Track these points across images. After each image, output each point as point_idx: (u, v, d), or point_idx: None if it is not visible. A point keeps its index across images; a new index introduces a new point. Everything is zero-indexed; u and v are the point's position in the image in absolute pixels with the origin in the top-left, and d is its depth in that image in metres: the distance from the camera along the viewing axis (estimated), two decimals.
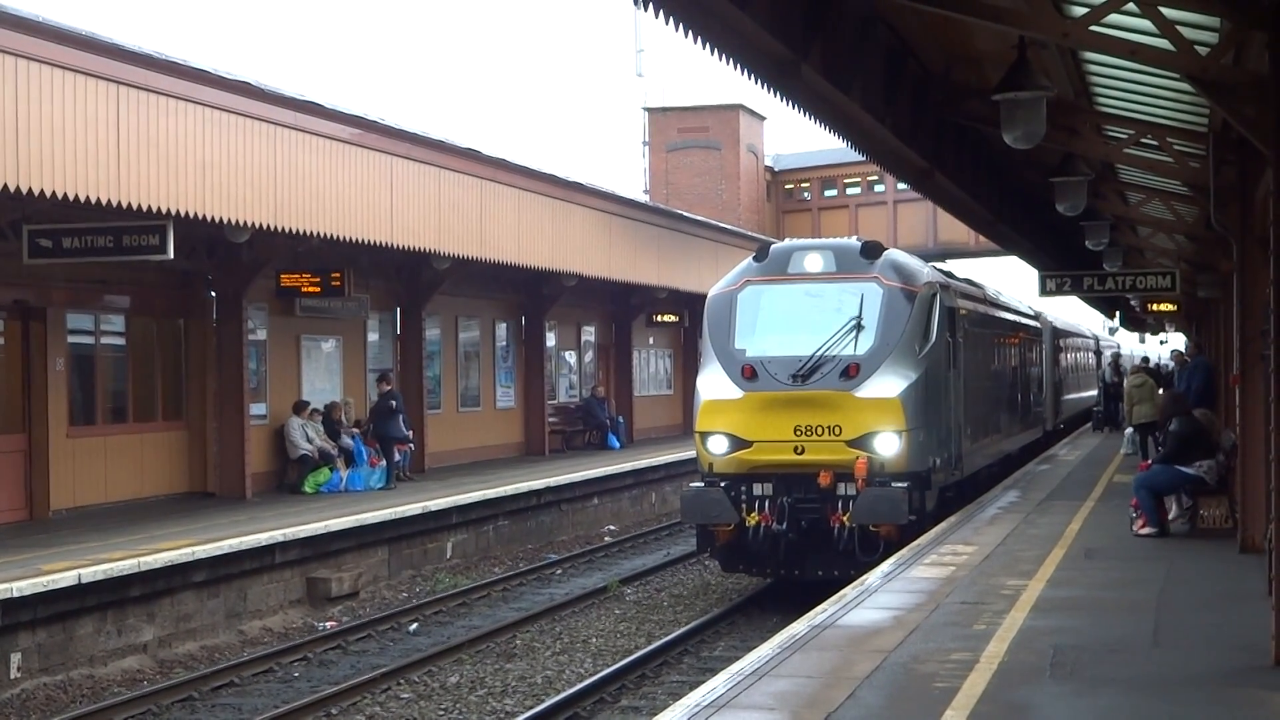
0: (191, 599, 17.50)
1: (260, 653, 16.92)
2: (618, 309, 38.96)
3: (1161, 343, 74.59)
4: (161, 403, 23.26)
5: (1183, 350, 36.14)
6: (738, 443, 18.51)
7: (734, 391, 18.58)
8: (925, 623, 12.04)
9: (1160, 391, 25.72)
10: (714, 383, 18.85)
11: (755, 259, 19.82)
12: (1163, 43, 10.71)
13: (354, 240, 21.86)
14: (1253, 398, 14.77)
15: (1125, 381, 29.00)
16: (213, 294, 23.49)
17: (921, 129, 16.93)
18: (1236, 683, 9.79)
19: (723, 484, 18.44)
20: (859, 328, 18.57)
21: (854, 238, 21.25)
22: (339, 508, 21.67)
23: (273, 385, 25.14)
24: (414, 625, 18.76)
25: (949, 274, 23.64)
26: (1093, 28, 10.78)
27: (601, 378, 38.48)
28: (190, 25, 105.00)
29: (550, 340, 35.40)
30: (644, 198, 46.54)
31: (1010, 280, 49.93)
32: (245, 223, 19.23)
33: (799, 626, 12.19)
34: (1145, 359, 46.77)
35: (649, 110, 53.08)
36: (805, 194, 55.99)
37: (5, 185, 15.27)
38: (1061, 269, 28.65)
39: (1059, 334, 40.30)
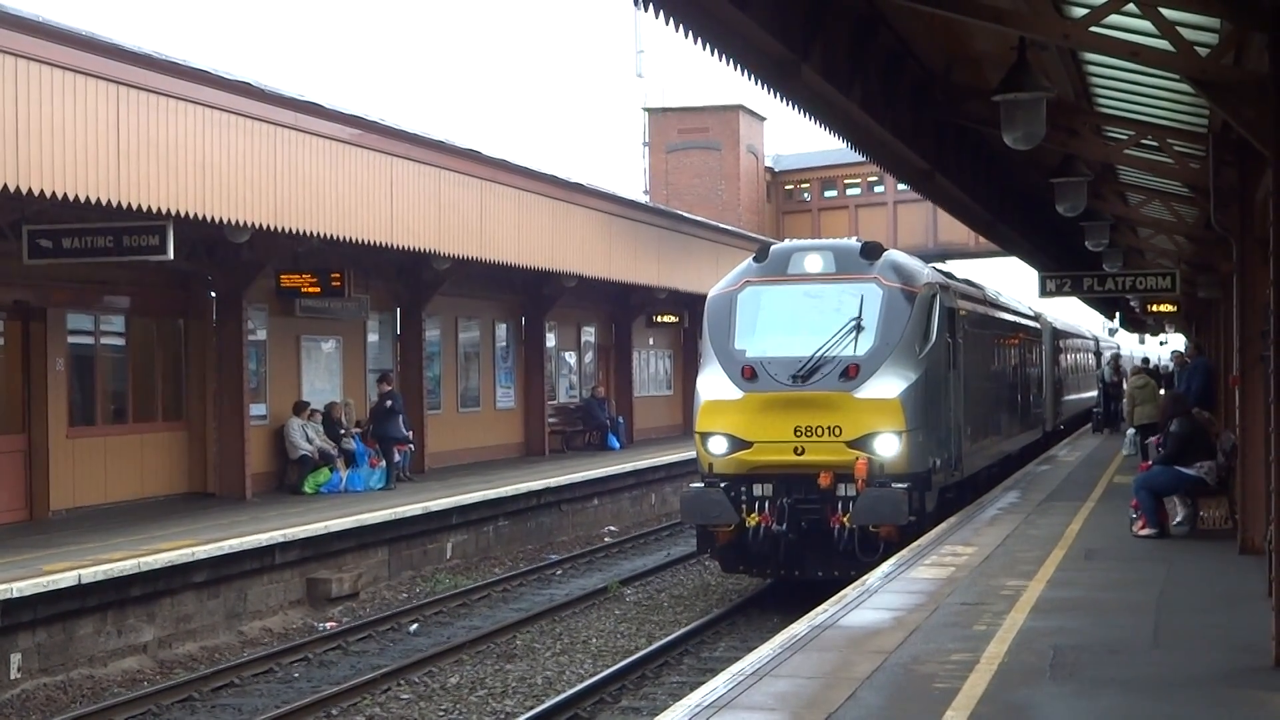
0: (191, 599, 17.50)
1: (260, 653, 16.91)
2: (618, 309, 38.96)
3: (1161, 344, 74.59)
4: (161, 403, 23.27)
5: (1183, 351, 36.12)
6: (738, 443, 18.51)
7: (734, 392, 18.57)
8: (925, 623, 12.04)
9: (1162, 393, 25.72)
10: (714, 383, 18.85)
11: (755, 259, 19.82)
12: (1163, 44, 10.71)
13: (354, 241, 21.86)
14: (1253, 399, 14.76)
15: (1127, 382, 28.97)
16: (213, 294, 23.50)
17: (921, 130, 16.93)
18: (1237, 684, 9.79)
19: (723, 484, 18.44)
20: (859, 328, 18.57)
21: (854, 238, 21.25)
22: (339, 508, 21.67)
23: (273, 386, 25.14)
24: (414, 626, 18.76)
25: (949, 274, 23.65)
26: (1093, 29, 10.78)
27: (601, 378, 38.48)
28: (190, 25, 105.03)
29: (550, 341, 35.40)
30: (644, 198, 46.55)
31: (1010, 281, 49.96)
32: (245, 223, 19.23)
33: (799, 627, 12.19)
34: (1145, 359, 46.79)
35: (649, 111, 53.10)
36: (805, 194, 56.01)
37: (5, 185, 15.26)
38: (1061, 270, 28.64)
39: (1059, 335, 40.30)
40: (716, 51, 11.33)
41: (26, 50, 15.44)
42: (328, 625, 18.72)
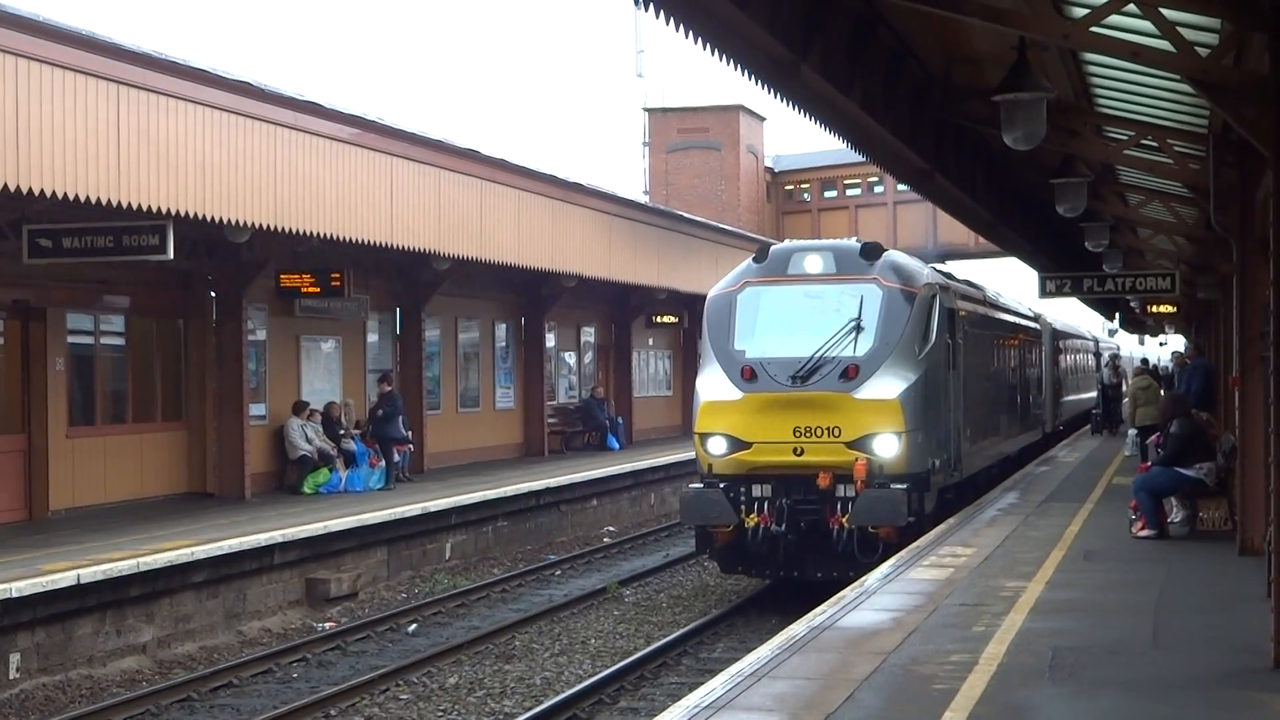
0: (191, 599, 17.49)
1: (259, 653, 16.91)
2: (617, 310, 38.95)
3: (1161, 344, 74.57)
4: (161, 403, 23.26)
5: (1182, 352, 36.11)
6: (737, 444, 18.51)
7: (733, 393, 18.57)
8: (924, 624, 12.04)
9: (1162, 394, 25.69)
10: (713, 384, 18.84)
11: (755, 260, 19.81)
12: (1163, 44, 10.71)
13: (354, 240, 21.85)
14: (1252, 400, 14.76)
15: (1130, 383, 28.95)
16: (212, 294, 23.49)
17: (921, 130, 16.92)
18: (1236, 685, 9.78)
19: (722, 485, 18.43)
20: (858, 329, 18.56)
21: (854, 239, 21.25)
22: (338, 508, 21.67)
23: (272, 386, 25.13)
24: (413, 626, 18.75)
25: (949, 275, 23.64)
26: (1093, 29, 10.77)
27: (601, 378, 38.48)
28: (190, 25, 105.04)
29: (550, 341, 35.39)
30: (644, 198, 46.55)
31: (1010, 282, 49.88)
32: (245, 223, 19.23)
33: (798, 628, 12.18)
34: (1143, 360, 46.77)
35: (649, 111, 53.09)
36: (805, 195, 56.00)
37: (5, 185, 15.26)
38: (1061, 270, 28.63)
39: (1058, 335, 40.30)
40: (716, 51, 11.32)
41: (26, 50, 15.43)
42: (326, 625, 18.71)
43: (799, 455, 18.28)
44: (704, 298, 20.38)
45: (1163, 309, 34.80)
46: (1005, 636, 11.37)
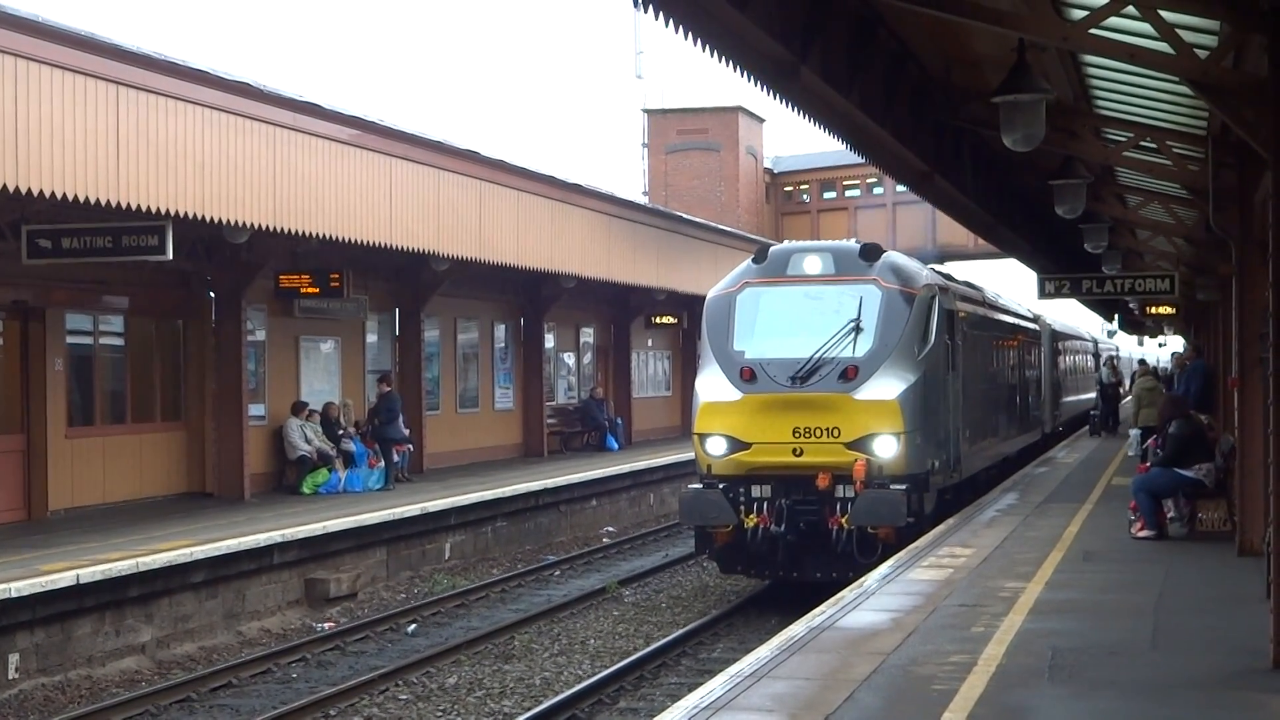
0: (190, 600, 17.50)
1: (258, 653, 16.91)
2: (616, 310, 38.96)
3: (1160, 345, 74.61)
4: (160, 403, 23.27)
5: (1182, 353, 36.12)
6: (736, 444, 18.51)
7: (733, 393, 18.57)
8: (923, 625, 12.04)
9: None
10: (713, 384, 18.85)
11: (754, 261, 19.82)
12: (1162, 46, 10.72)
13: (353, 241, 21.85)
14: (1251, 401, 14.76)
15: (1135, 384, 28.97)
16: (211, 295, 23.50)
17: (921, 131, 16.94)
18: (1235, 686, 9.79)
19: (721, 486, 18.44)
20: (857, 329, 18.57)
21: (853, 240, 21.27)
22: (337, 509, 21.67)
23: (271, 386, 25.14)
24: (412, 626, 18.75)
25: (948, 276, 23.66)
26: (1092, 31, 10.78)
27: (600, 379, 38.48)
28: (190, 25, 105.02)
29: (549, 342, 35.40)
30: (643, 199, 46.56)
31: (1009, 283, 49.83)
32: (244, 223, 19.23)
33: (797, 628, 12.19)
34: (1142, 361, 46.78)
35: (648, 112, 53.10)
36: (804, 196, 56.02)
37: (4, 185, 15.25)
38: (1061, 272, 28.65)
39: (1058, 337, 40.31)
40: (716, 53, 11.33)
41: (26, 50, 15.43)
42: (326, 626, 18.72)
43: (798, 456, 18.28)
44: (703, 299, 20.39)
45: (1162, 310, 34.84)
46: (1004, 637, 11.37)
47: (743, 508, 18.41)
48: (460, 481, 26.48)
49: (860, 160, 18.69)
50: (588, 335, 38.51)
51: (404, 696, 14.91)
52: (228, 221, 18.96)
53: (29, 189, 15.53)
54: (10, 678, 14.85)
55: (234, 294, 23.35)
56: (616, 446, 35.88)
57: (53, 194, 15.89)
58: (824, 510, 18.25)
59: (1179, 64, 10.73)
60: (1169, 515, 17.31)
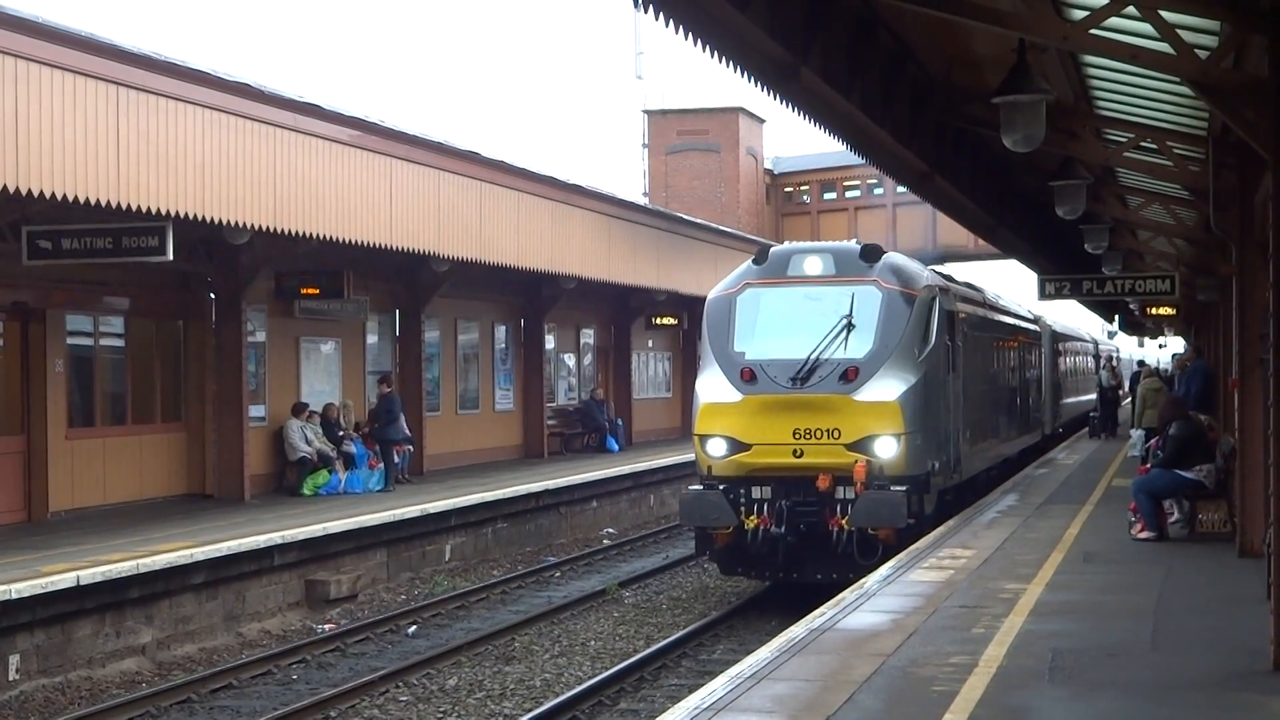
0: (190, 601, 17.49)
1: (259, 655, 16.91)
2: (617, 311, 38.95)
3: (1160, 346, 74.57)
4: (160, 404, 23.25)
5: (1182, 354, 36.11)
6: (737, 445, 18.50)
7: (733, 394, 18.57)
8: (924, 626, 12.04)
9: None
10: (713, 385, 18.84)
11: (754, 262, 19.81)
12: (1163, 46, 10.71)
13: (353, 242, 21.85)
14: (1252, 402, 14.76)
15: (1140, 385, 28.98)
16: (212, 296, 23.49)
17: (921, 132, 16.93)
18: (1235, 687, 9.79)
19: (721, 487, 18.42)
20: (850, 327, 18.54)
21: (853, 241, 21.25)
22: (338, 510, 21.66)
23: (272, 387, 25.13)
24: (412, 628, 18.75)
25: (948, 277, 23.65)
26: (1092, 31, 10.78)
27: (600, 380, 38.48)
28: (190, 26, 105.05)
29: (549, 343, 35.39)
30: (643, 200, 46.56)
31: (1010, 284, 49.87)
32: (244, 224, 19.23)
33: (798, 630, 12.18)
34: (1141, 363, 46.78)
35: (648, 113, 53.11)
36: (804, 197, 56.03)
37: (4, 186, 15.25)
38: (1061, 273, 28.64)
39: (1058, 338, 40.31)
40: (716, 53, 11.33)
41: (26, 51, 15.43)
42: (326, 627, 18.71)
43: (799, 457, 18.27)
44: (703, 299, 20.39)
45: (1162, 311, 34.83)
46: (1005, 638, 11.37)
47: (743, 509, 18.39)
48: (460, 483, 26.48)
49: (860, 161, 18.70)
50: (588, 336, 38.51)
51: (404, 698, 14.90)
52: (228, 222, 18.95)
53: (29, 190, 15.52)
54: (11, 679, 14.84)
55: (234, 295, 23.34)
56: (617, 448, 35.87)
57: (53, 195, 15.88)
58: (824, 511, 18.24)
59: (1179, 64, 10.73)
60: (1170, 517, 17.30)
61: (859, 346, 18.53)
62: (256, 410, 24.42)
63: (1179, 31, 10.57)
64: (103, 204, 16.68)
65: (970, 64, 15.46)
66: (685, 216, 39.87)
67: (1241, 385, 15.20)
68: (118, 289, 21.96)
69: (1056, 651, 10.85)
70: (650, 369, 42.40)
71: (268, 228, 19.70)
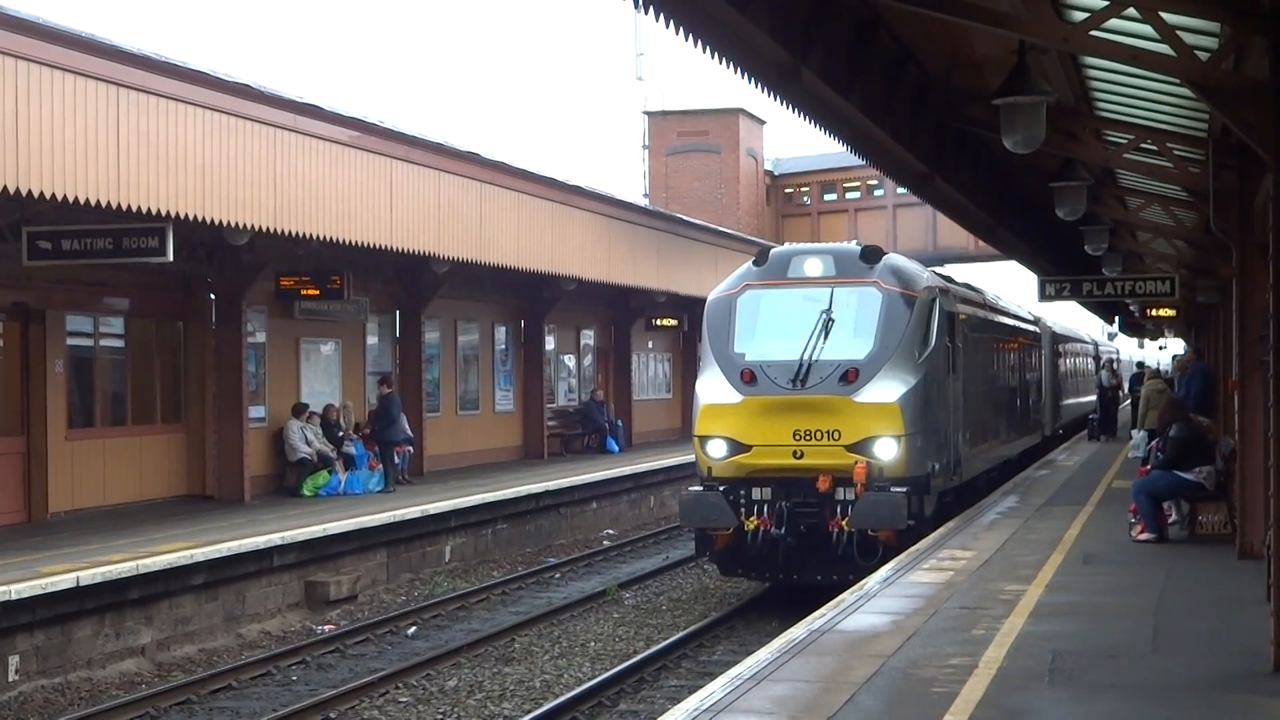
0: (190, 602, 17.49)
1: (258, 656, 16.90)
2: (617, 312, 38.95)
3: (1161, 348, 74.58)
4: (160, 405, 23.25)
5: (1183, 356, 36.10)
6: (737, 447, 18.50)
7: (733, 395, 18.56)
8: (924, 628, 12.03)
9: None
10: (713, 387, 18.84)
11: (755, 263, 19.81)
12: (1163, 48, 10.72)
13: (353, 243, 21.85)
14: (1252, 403, 14.76)
15: (1145, 386, 28.99)
16: (212, 296, 23.49)
17: (921, 133, 16.94)
18: (1235, 689, 9.79)
19: (721, 488, 18.41)
20: (829, 322, 18.53)
21: (853, 242, 21.25)
22: (337, 511, 21.66)
23: (272, 388, 25.13)
24: (412, 629, 18.74)
25: (948, 279, 23.65)
26: (1093, 33, 10.78)
27: (600, 381, 38.48)
28: (190, 26, 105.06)
29: (549, 344, 35.39)
30: (643, 201, 46.56)
31: (1010, 285, 49.93)
32: (244, 225, 19.23)
33: (798, 631, 12.18)
34: (1140, 364, 46.75)
35: (649, 114, 53.12)
36: (805, 198, 56.04)
37: (5, 187, 15.25)
38: (1061, 274, 28.65)
39: (1058, 339, 40.31)
40: (716, 55, 11.33)
41: (26, 51, 15.43)
42: (326, 628, 18.71)
43: (799, 458, 18.27)
44: (703, 301, 20.39)
45: (1162, 313, 34.82)
46: (1005, 640, 11.36)
47: (743, 510, 18.38)
48: (460, 483, 26.48)
49: (861, 162, 18.70)
50: (588, 337, 38.51)
51: (404, 699, 14.90)
52: (228, 223, 18.95)
53: (29, 190, 15.53)
54: (10, 680, 14.84)
55: (234, 296, 23.34)
56: (617, 449, 35.87)
57: (53, 195, 15.89)
58: (824, 513, 18.24)
59: (1179, 66, 10.73)
60: (1170, 519, 17.30)
61: (859, 348, 18.53)
62: (256, 411, 24.43)
63: (1179, 33, 10.57)
64: (103, 205, 16.68)
65: (970, 65, 15.46)
66: (685, 218, 39.88)
67: (1242, 387, 15.20)
68: (118, 290, 21.97)
69: (1057, 653, 10.85)
70: (650, 370, 42.40)
71: (268, 228, 19.70)
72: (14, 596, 14.57)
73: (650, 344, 41.86)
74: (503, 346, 33.45)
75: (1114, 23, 10.88)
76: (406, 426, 26.10)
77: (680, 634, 17.52)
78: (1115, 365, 45.29)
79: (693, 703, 9.73)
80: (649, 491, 31.98)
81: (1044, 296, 25.82)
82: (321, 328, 26.37)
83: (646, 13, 9.89)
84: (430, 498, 23.61)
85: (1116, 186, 21.27)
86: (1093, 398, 42.89)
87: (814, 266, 19.30)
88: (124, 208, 16.96)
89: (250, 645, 17.81)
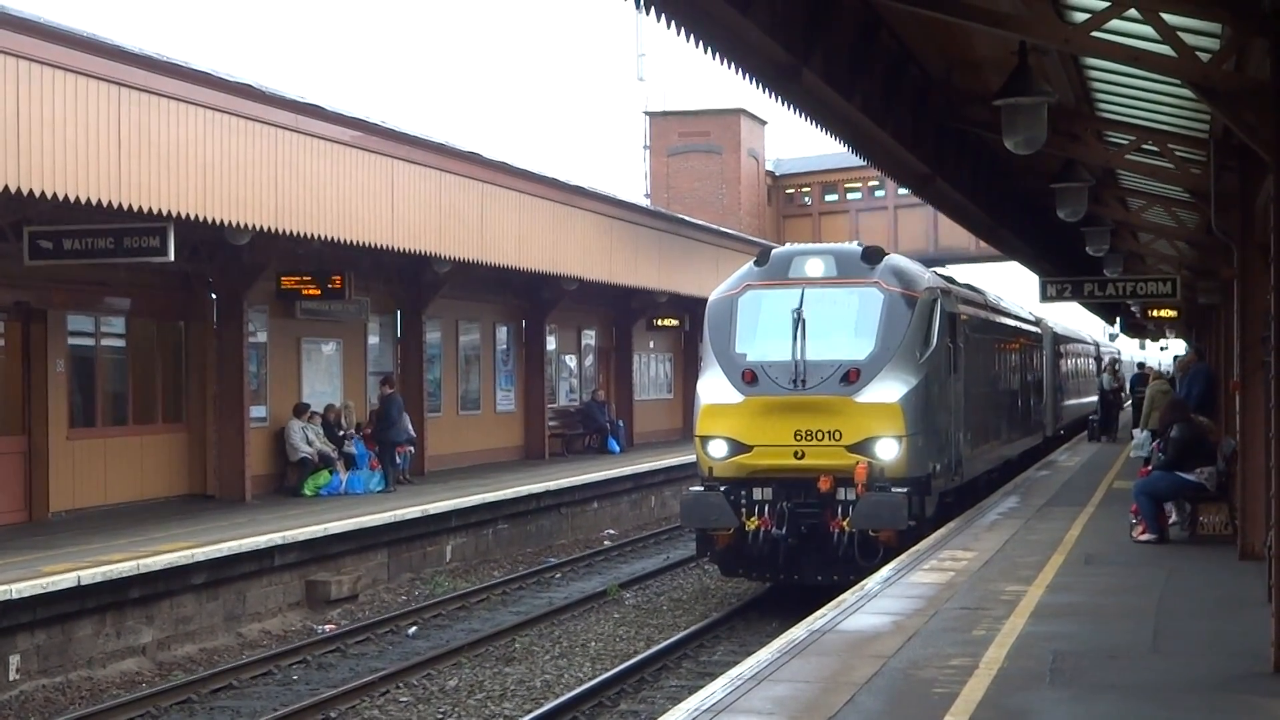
0: (191, 601, 17.49)
1: (259, 655, 16.91)
2: (618, 313, 38.96)
3: (1162, 349, 74.56)
4: (161, 405, 23.26)
5: (1184, 356, 36.08)
6: (738, 447, 18.50)
7: (734, 396, 18.57)
8: (925, 628, 12.03)
9: None
10: (714, 387, 18.84)
11: (756, 263, 19.81)
12: (1164, 49, 10.72)
13: (355, 243, 21.86)
14: (1253, 404, 14.76)
15: (1149, 387, 28.99)
16: (213, 296, 23.50)
17: (922, 134, 16.94)
18: (1236, 689, 9.78)
19: (722, 488, 18.42)
20: (800, 319, 18.52)
21: (855, 243, 21.25)
22: (338, 511, 21.67)
23: (273, 388, 25.14)
24: (413, 628, 18.75)
25: (950, 279, 23.65)
26: (1094, 33, 10.79)
27: (602, 381, 38.48)
28: (191, 26, 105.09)
29: (550, 344, 35.40)
30: (645, 202, 46.55)
31: (1011, 286, 49.98)
32: (246, 225, 19.24)
33: (798, 631, 12.18)
34: (1140, 365, 46.73)
35: (650, 114, 53.10)
36: (806, 199, 56.03)
37: (6, 187, 15.27)
38: (1062, 275, 28.64)
39: (1059, 340, 40.29)
40: (718, 55, 11.33)
41: (26, 51, 15.44)
42: (326, 628, 18.71)
43: (800, 459, 18.27)
44: (705, 301, 20.38)
45: (1164, 313, 34.81)
46: (1005, 640, 11.36)
47: (744, 510, 18.39)
48: (461, 483, 26.48)
49: (862, 163, 18.70)
50: (589, 337, 38.51)
51: (405, 699, 14.91)
52: (229, 223, 18.96)
53: (30, 190, 15.53)
54: (11, 679, 14.85)
55: (235, 295, 23.35)
56: (618, 449, 35.87)
57: (54, 195, 15.90)
58: (825, 513, 18.24)
59: (1181, 67, 10.73)
60: (1171, 519, 17.30)
61: (860, 348, 18.53)
62: (258, 411, 24.43)
63: (1180, 34, 10.57)
64: (104, 204, 16.69)
65: (971, 66, 15.46)
66: (686, 218, 39.88)
67: (1243, 388, 15.21)
68: (119, 289, 21.97)
69: (1057, 653, 10.84)
70: (651, 370, 42.40)
71: (269, 228, 19.71)
72: (15, 596, 14.58)
73: (651, 344, 41.87)
74: (504, 346, 33.45)
75: (1115, 24, 10.88)
76: (409, 426, 26.12)
77: (681, 634, 17.52)
78: (1118, 368, 45.27)
79: (693, 703, 9.73)
80: (650, 492, 31.99)
81: (1045, 297, 25.82)
82: (323, 328, 26.37)
83: (647, 13, 9.89)
84: (431, 498, 23.62)
85: (1118, 187, 21.27)
86: (1094, 398, 42.88)
87: (815, 267, 19.30)
88: (125, 207, 16.97)
89: (251, 645, 17.82)
